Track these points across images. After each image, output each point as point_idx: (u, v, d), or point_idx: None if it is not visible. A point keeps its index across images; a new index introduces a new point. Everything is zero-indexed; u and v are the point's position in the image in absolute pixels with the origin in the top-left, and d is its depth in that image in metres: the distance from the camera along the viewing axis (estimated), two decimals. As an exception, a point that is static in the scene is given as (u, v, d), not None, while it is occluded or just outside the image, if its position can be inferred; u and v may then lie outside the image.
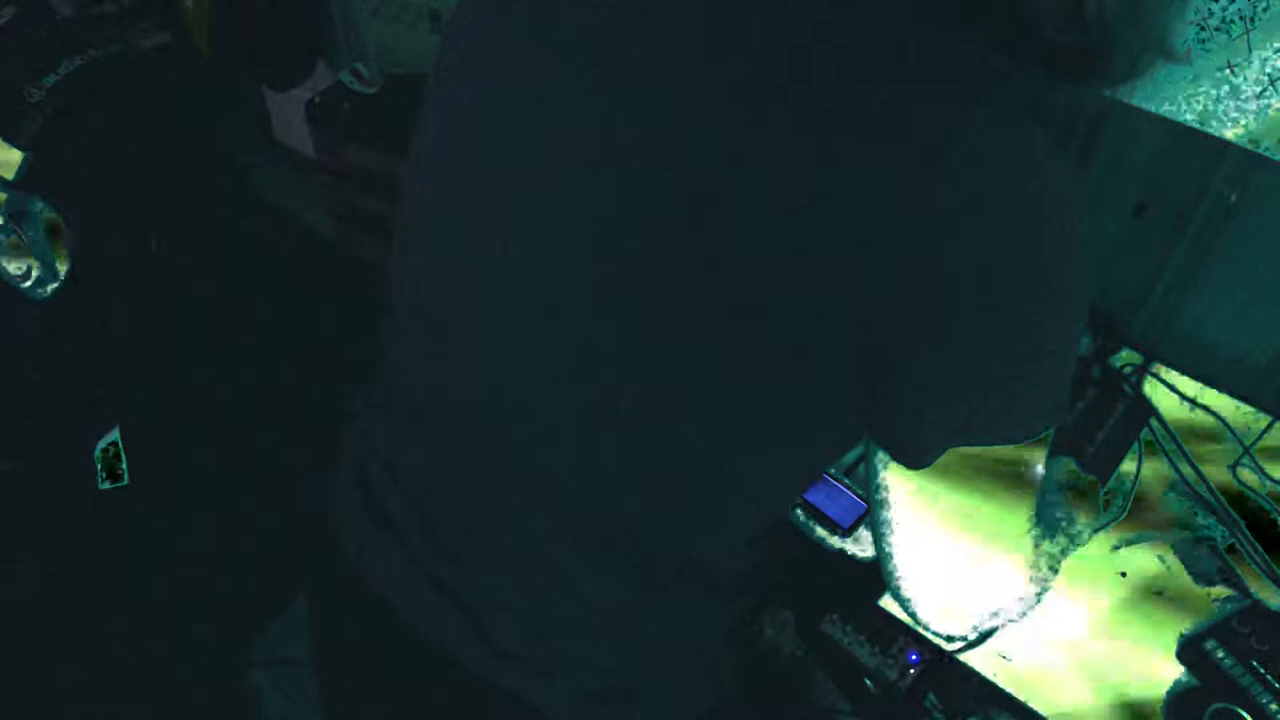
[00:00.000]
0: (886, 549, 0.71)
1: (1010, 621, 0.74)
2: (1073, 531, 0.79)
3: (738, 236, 0.57)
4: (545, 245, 0.64)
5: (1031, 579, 0.72)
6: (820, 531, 1.09)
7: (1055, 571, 0.73)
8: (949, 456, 0.64)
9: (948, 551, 0.69)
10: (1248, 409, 1.10)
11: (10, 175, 1.36)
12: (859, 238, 0.55)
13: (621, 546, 0.70)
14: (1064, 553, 0.75)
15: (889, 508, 0.69)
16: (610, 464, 0.67)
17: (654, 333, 0.62)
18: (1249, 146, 0.98)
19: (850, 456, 1.14)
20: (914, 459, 0.65)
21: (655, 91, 0.59)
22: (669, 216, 0.59)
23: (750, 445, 0.65)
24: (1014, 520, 0.70)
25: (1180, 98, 1.00)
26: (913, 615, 0.72)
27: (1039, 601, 0.73)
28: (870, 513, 0.73)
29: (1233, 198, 1.06)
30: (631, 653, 0.76)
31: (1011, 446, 0.65)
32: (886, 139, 0.54)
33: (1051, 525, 0.76)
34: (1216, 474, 1.08)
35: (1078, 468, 0.84)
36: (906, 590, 0.71)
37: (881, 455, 0.67)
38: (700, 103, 0.58)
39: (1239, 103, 0.97)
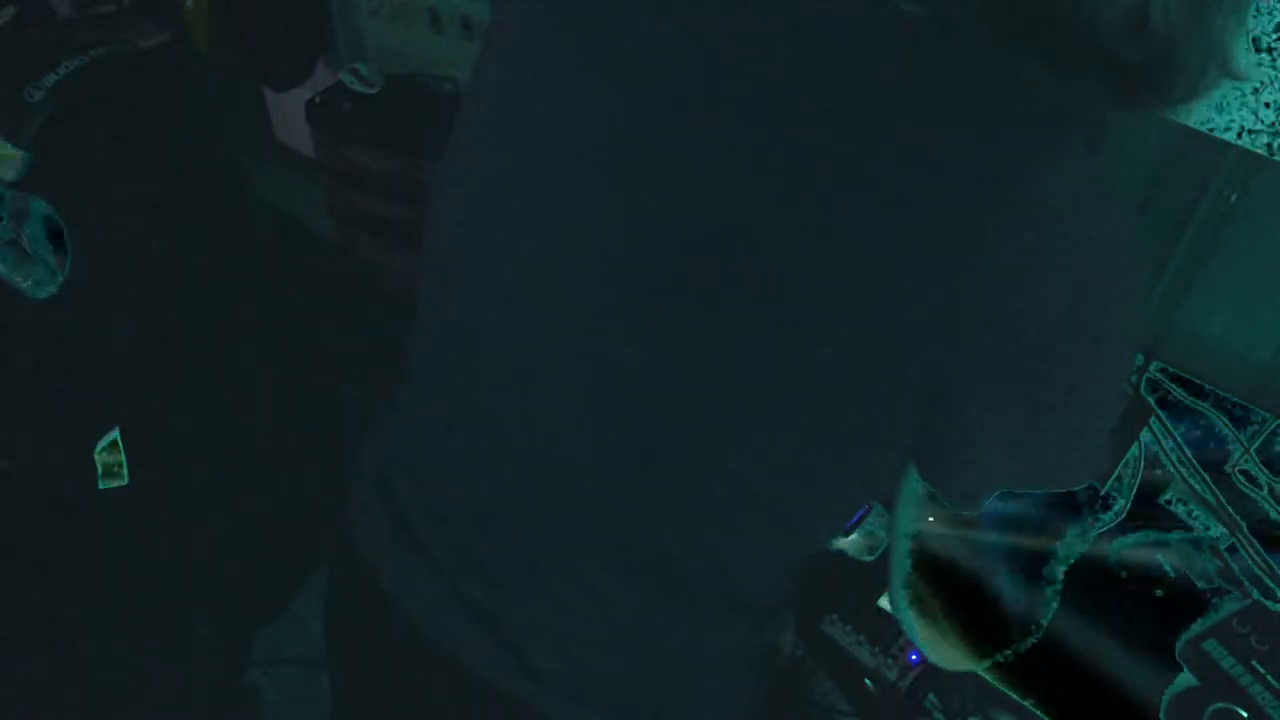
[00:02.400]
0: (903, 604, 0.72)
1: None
2: (1076, 533, 0.79)
3: (790, 264, 0.56)
4: (590, 262, 0.63)
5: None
6: (820, 531, 1.09)
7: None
8: None
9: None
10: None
11: (10, 175, 1.36)
12: (918, 268, 0.54)
13: (662, 571, 0.69)
14: (1067, 558, 0.76)
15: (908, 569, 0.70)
16: (654, 488, 0.66)
17: (701, 357, 0.61)
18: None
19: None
20: (966, 502, 0.65)
21: (707, 116, 0.58)
22: (719, 241, 0.58)
23: (794, 475, 0.64)
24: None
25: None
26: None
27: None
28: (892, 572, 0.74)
29: (1233, 198, 1.06)
30: (667, 677, 0.75)
31: None
32: (949, 170, 0.53)
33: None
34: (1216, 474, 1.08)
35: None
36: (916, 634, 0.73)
37: (905, 518, 0.69)
38: (753, 130, 0.57)
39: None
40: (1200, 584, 1.01)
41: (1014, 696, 0.92)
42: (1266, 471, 1.07)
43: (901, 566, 0.75)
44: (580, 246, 0.63)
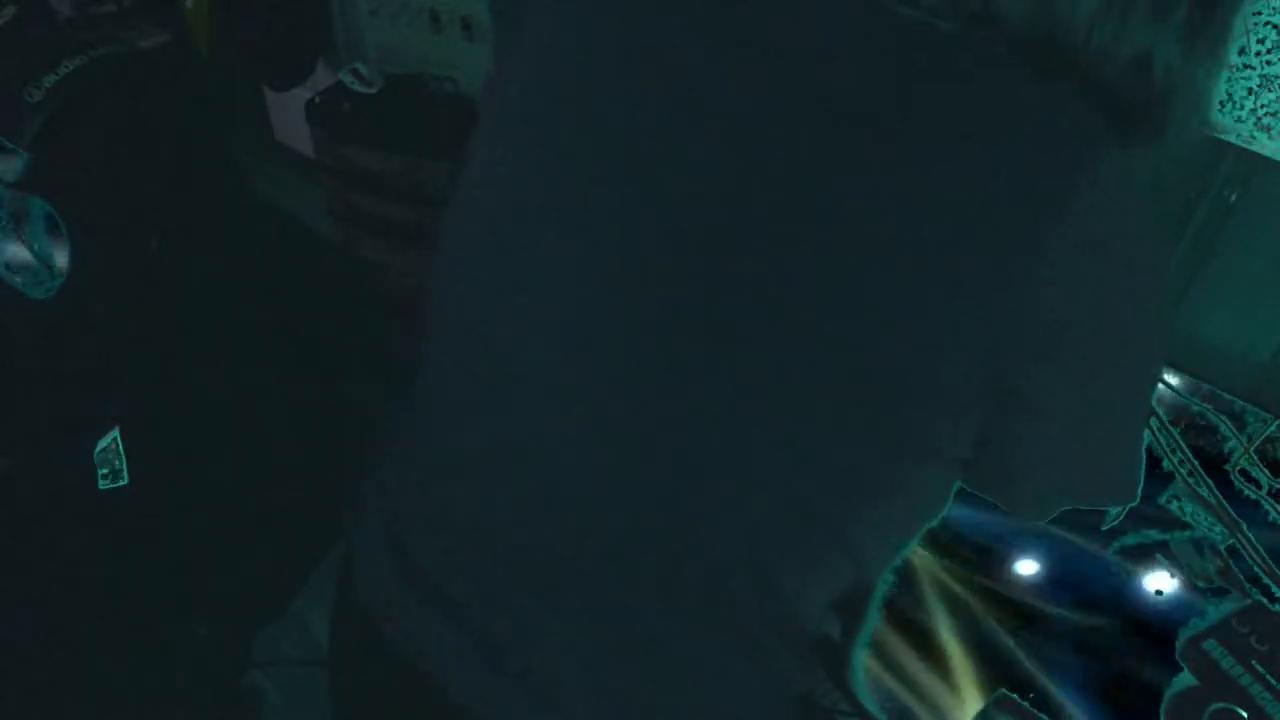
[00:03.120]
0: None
1: None
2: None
3: (850, 277, 0.57)
4: (627, 281, 0.62)
5: None
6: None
7: None
8: None
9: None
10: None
11: (10, 175, 1.36)
12: (982, 279, 0.55)
13: (714, 603, 0.67)
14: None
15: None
16: (710, 511, 0.64)
17: (758, 373, 0.60)
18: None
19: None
20: (1033, 510, 0.66)
21: (758, 134, 0.58)
22: (773, 254, 0.58)
23: (852, 493, 0.63)
24: None
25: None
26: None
27: None
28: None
29: (1233, 198, 1.06)
30: (708, 711, 0.72)
31: None
32: (1001, 184, 0.55)
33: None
34: (1216, 474, 1.08)
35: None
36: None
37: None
38: (806, 147, 0.57)
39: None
40: (1200, 584, 1.01)
41: (1014, 697, 0.92)
42: (1266, 471, 1.07)
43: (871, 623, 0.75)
44: (618, 266, 0.62)
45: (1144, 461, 0.68)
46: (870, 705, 0.75)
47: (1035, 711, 0.93)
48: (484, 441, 0.70)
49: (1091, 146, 0.56)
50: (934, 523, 0.68)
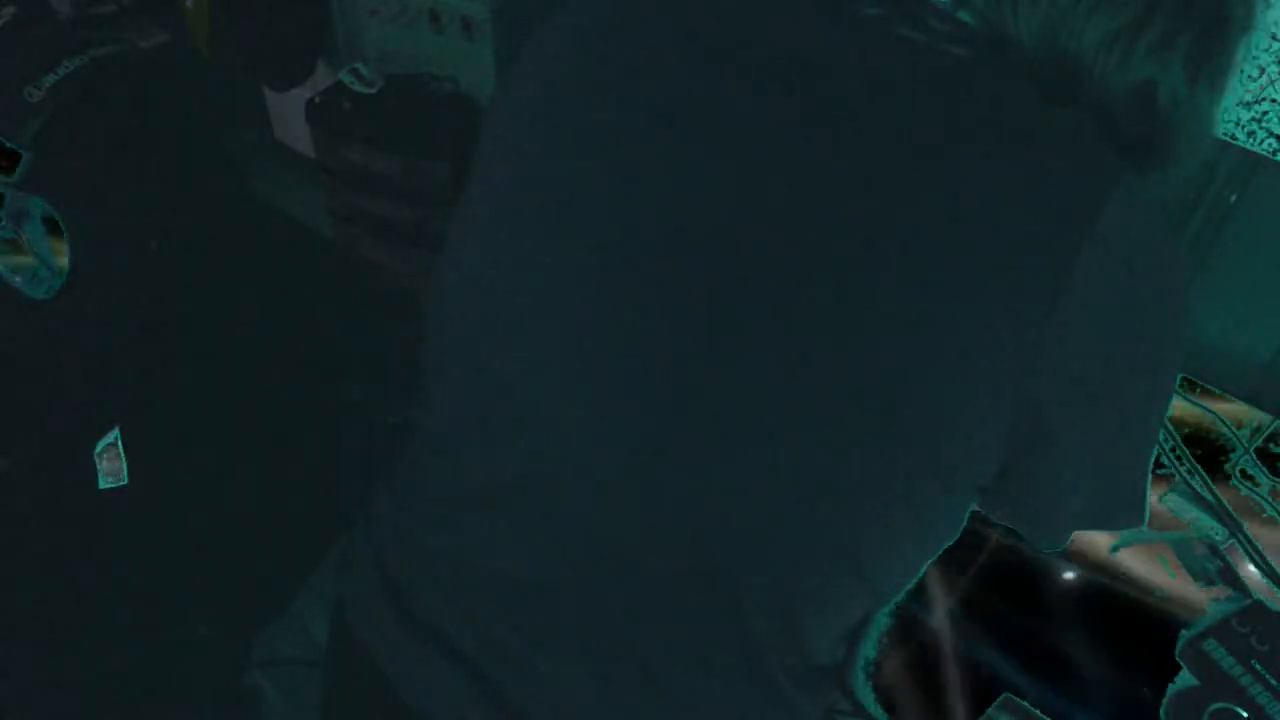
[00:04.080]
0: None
1: None
2: None
3: (873, 303, 0.55)
4: (645, 311, 0.60)
5: None
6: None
7: None
8: None
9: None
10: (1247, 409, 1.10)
11: (10, 175, 1.36)
12: (1009, 306, 0.54)
13: (727, 633, 0.65)
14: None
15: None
16: (724, 546, 0.62)
17: (776, 402, 0.58)
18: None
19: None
20: (1050, 537, 0.66)
21: (763, 165, 0.57)
22: (793, 281, 0.57)
23: (877, 524, 0.61)
24: None
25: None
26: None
27: None
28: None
29: (1233, 198, 1.06)
30: None
31: None
32: (1025, 211, 0.54)
33: None
34: (1216, 474, 1.08)
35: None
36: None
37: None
38: (835, 172, 0.56)
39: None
40: (1200, 584, 1.01)
41: (1014, 697, 0.92)
42: (1266, 471, 1.07)
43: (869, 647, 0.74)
44: (629, 299, 0.60)
45: (1149, 484, 0.68)
46: (870, 704, 0.75)
47: (1039, 714, 0.93)
48: (483, 475, 0.68)
49: (1111, 172, 0.55)
50: (948, 545, 0.67)
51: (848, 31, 0.59)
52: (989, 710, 0.92)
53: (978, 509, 0.66)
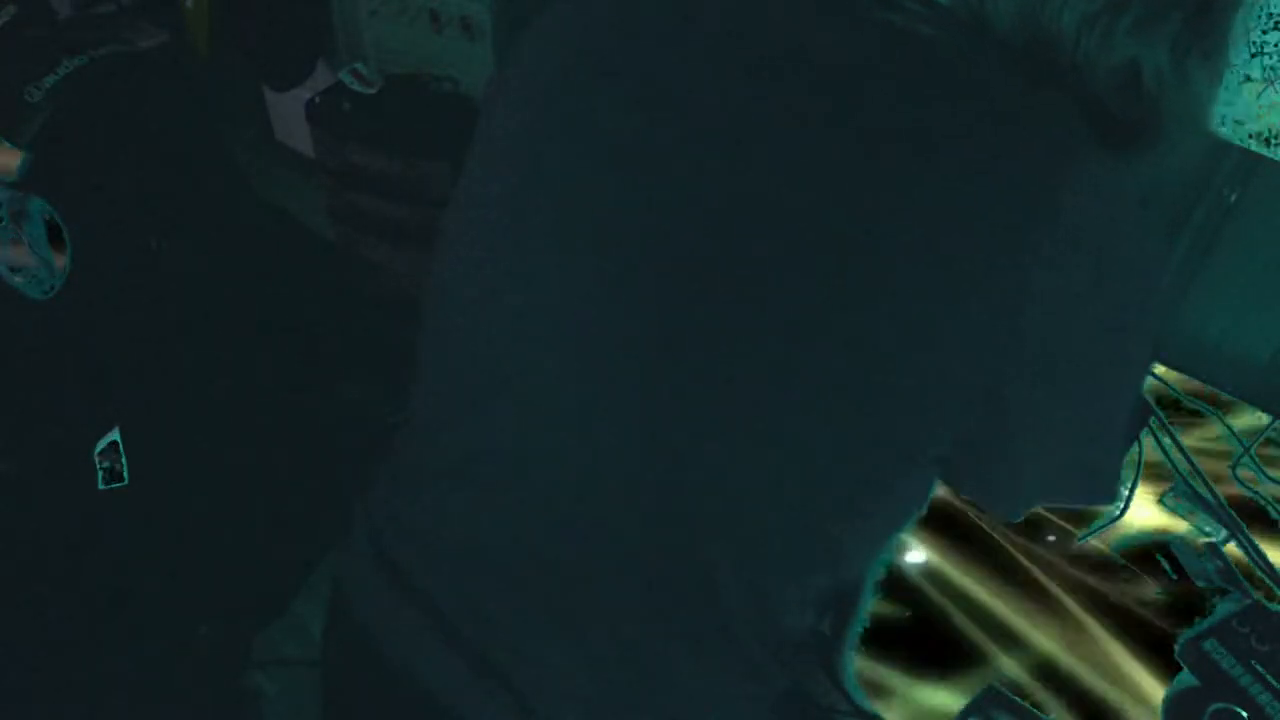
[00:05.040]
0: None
1: None
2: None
3: (840, 285, 0.57)
4: (625, 294, 0.62)
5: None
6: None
7: None
8: None
9: None
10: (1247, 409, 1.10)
11: (10, 175, 1.36)
12: (972, 284, 0.55)
13: (701, 607, 0.67)
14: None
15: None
16: (698, 519, 0.64)
17: (748, 380, 0.60)
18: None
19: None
20: (1008, 508, 0.67)
21: (741, 155, 0.59)
22: (764, 266, 0.58)
23: (845, 500, 0.63)
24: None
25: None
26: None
27: None
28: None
29: (1233, 198, 1.06)
30: (691, 717, 0.72)
31: None
32: (989, 190, 0.55)
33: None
34: (1216, 473, 1.08)
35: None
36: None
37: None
38: (802, 157, 0.58)
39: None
40: (1200, 584, 1.01)
41: (1013, 697, 0.92)
42: (1266, 471, 1.07)
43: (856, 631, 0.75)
44: (615, 277, 0.62)
45: (1122, 463, 0.70)
46: (861, 699, 0.76)
47: (1024, 704, 0.93)
48: (474, 450, 0.70)
49: (1081, 155, 0.56)
50: (912, 522, 0.69)
51: (828, 18, 0.60)
52: (972, 701, 0.92)
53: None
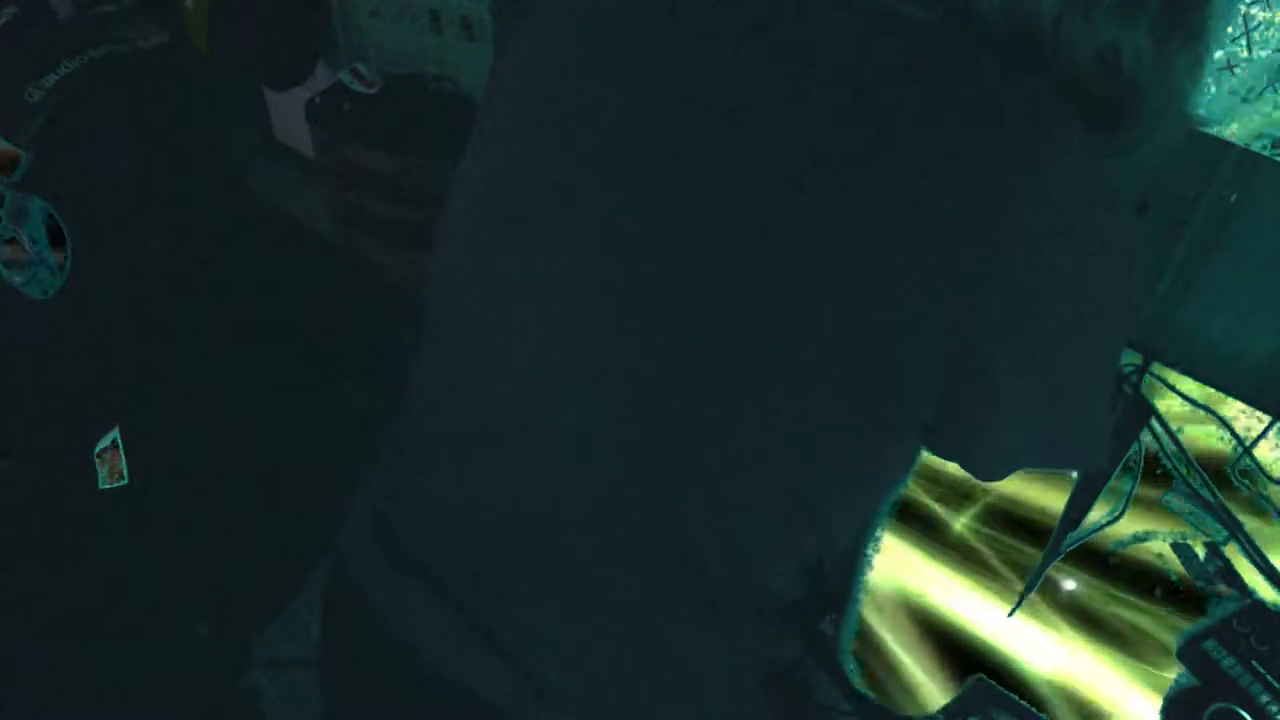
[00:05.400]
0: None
1: None
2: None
3: (824, 264, 0.59)
4: (614, 272, 0.64)
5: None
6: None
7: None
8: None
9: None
10: (1248, 409, 1.10)
11: (10, 175, 1.36)
12: (947, 258, 0.58)
13: (687, 576, 0.69)
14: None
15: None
16: (684, 489, 0.66)
17: (734, 357, 0.62)
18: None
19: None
20: (992, 473, 0.69)
21: (731, 138, 0.61)
22: (751, 243, 0.60)
23: (829, 472, 0.66)
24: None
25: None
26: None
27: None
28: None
29: (1233, 198, 1.06)
30: (680, 693, 0.74)
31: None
32: (963, 168, 0.57)
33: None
34: (1216, 473, 1.08)
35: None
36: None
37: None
38: (785, 141, 0.60)
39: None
40: (1200, 584, 1.01)
41: (1014, 697, 0.92)
42: (1266, 472, 1.07)
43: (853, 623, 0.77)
44: (606, 254, 0.64)
45: (1106, 426, 0.72)
46: (860, 685, 0.77)
47: (1012, 697, 0.93)
48: (469, 421, 0.72)
49: (1059, 136, 0.57)
50: (896, 495, 0.71)
51: (820, 6, 0.61)
52: (962, 695, 0.92)
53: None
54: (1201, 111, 0.62)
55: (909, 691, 0.92)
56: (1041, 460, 0.73)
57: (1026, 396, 0.63)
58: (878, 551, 0.80)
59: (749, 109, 0.60)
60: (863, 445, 0.65)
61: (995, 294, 0.58)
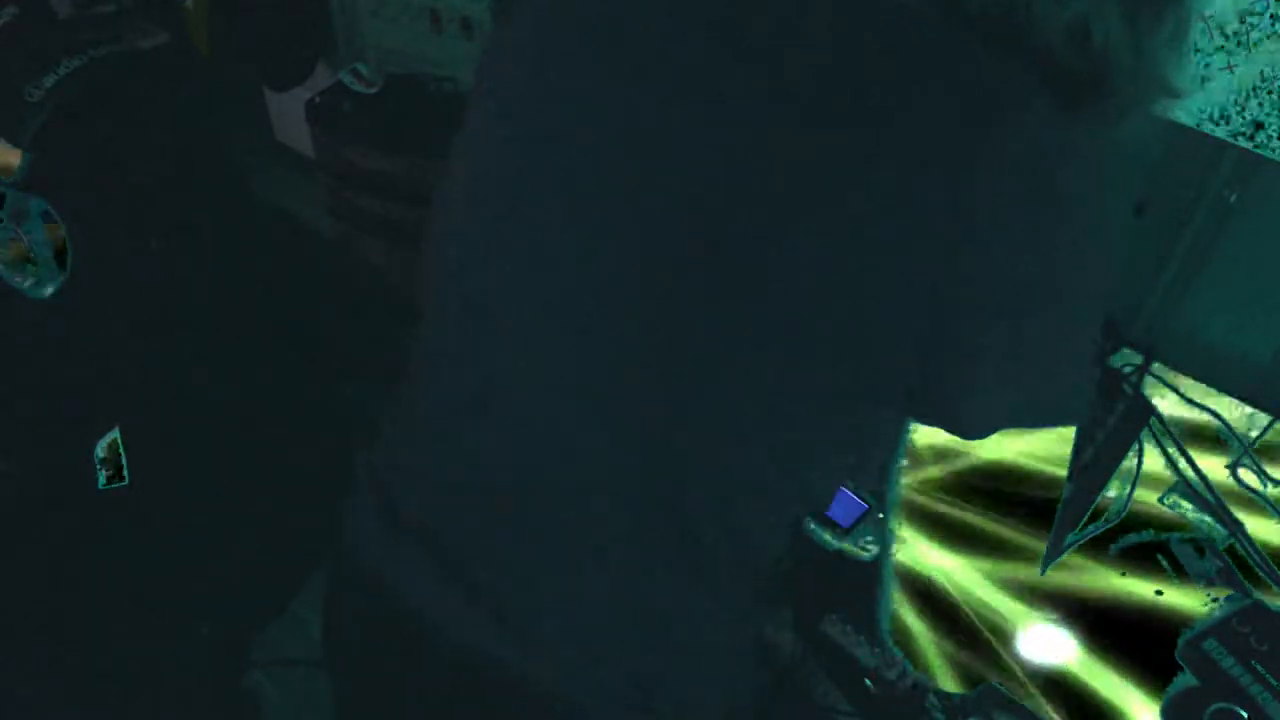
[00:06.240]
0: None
1: None
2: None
3: (806, 236, 0.61)
4: (605, 246, 0.66)
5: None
6: (820, 532, 1.09)
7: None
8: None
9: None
10: (1247, 409, 1.10)
11: (10, 175, 1.36)
12: (920, 228, 0.60)
13: (683, 542, 0.72)
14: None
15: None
16: (677, 455, 0.69)
17: (725, 326, 0.64)
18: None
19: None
20: (973, 434, 0.72)
21: (705, 103, 0.63)
22: (735, 219, 0.63)
23: (816, 440, 0.69)
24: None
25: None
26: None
27: None
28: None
29: (1233, 198, 1.06)
30: (670, 651, 0.77)
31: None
32: (933, 139, 0.59)
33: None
34: (1216, 474, 1.08)
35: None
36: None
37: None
38: (764, 115, 0.62)
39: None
40: (1200, 584, 1.01)
41: (1011, 696, 0.92)
42: (1266, 471, 1.07)
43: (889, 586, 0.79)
44: (597, 229, 0.66)
45: (1085, 387, 0.76)
46: (897, 652, 0.81)
47: (1019, 702, 0.93)
48: (469, 393, 0.74)
49: (1027, 105, 0.59)
50: (880, 455, 0.74)
51: None
52: (971, 698, 0.92)
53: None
54: (1180, 86, 0.63)
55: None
56: (1023, 420, 0.77)
57: (1004, 359, 0.66)
58: (901, 542, 0.82)
59: (730, 81, 0.62)
60: (850, 413, 0.68)
61: (969, 262, 0.60)
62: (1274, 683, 0.90)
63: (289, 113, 1.98)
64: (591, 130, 0.67)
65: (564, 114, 0.68)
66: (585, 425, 0.70)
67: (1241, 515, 1.04)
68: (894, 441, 0.74)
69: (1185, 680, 0.93)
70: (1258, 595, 0.99)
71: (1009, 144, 0.58)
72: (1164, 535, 1.05)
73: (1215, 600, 0.99)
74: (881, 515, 1.06)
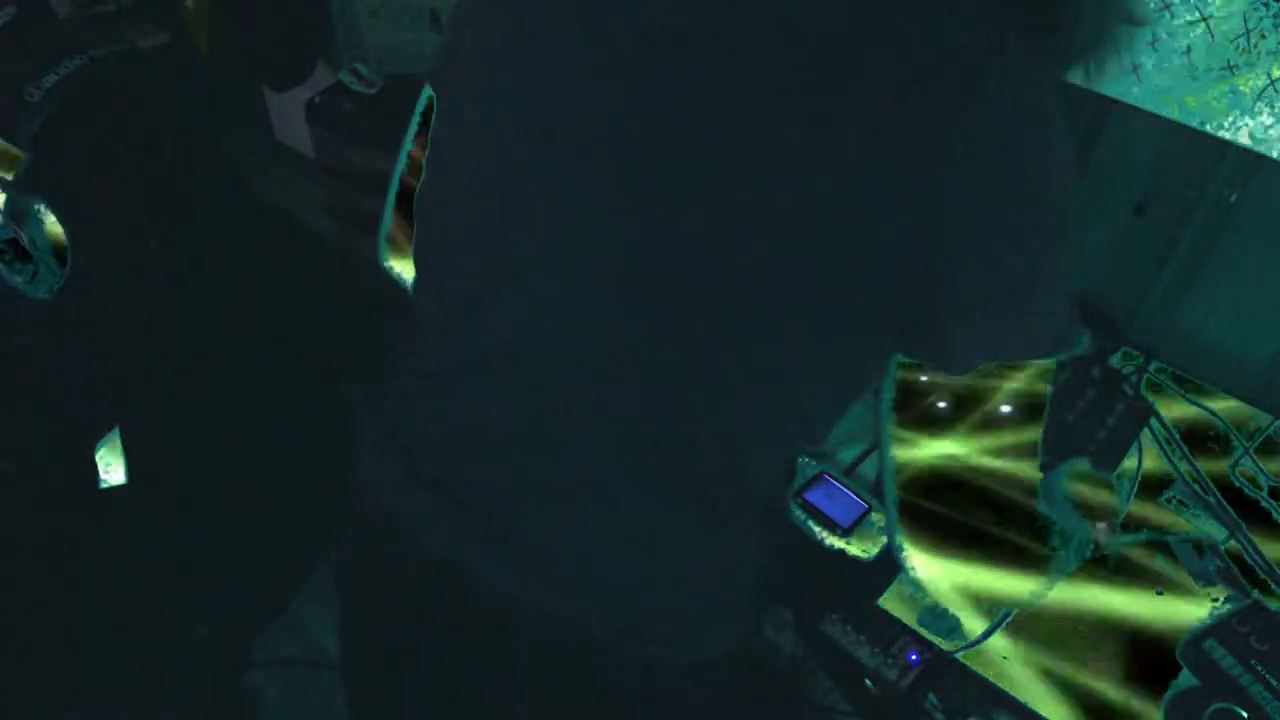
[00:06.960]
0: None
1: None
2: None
3: (806, 181, 0.64)
4: (612, 184, 0.68)
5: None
6: (820, 531, 1.09)
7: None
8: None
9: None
10: (1248, 409, 1.10)
11: (10, 175, 1.36)
12: (906, 171, 0.63)
13: (682, 468, 0.74)
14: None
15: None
16: (691, 402, 0.72)
17: (732, 269, 0.67)
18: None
19: (848, 456, 1.14)
20: (959, 369, 0.77)
21: (696, 49, 0.65)
22: (739, 164, 0.65)
23: (817, 371, 0.73)
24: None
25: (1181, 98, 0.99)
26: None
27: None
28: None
29: (1233, 198, 1.06)
30: (676, 577, 0.79)
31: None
32: (914, 86, 0.62)
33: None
34: (1216, 474, 1.07)
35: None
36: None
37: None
38: (741, 52, 0.64)
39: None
40: (1200, 584, 1.01)
41: (1014, 697, 0.92)
42: (1266, 471, 1.06)
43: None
44: (594, 176, 0.69)
45: (1069, 320, 0.80)
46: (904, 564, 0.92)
47: (1034, 710, 0.93)
48: (485, 342, 0.76)
49: (994, 51, 0.61)
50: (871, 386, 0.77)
51: None
52: (968, 698, 0.92)
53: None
54: (1140, 13, 0.68)
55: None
56: (1012, 349, 0.81)
57: (986, 296, 0.71)
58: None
59: (722, 38, 0.65)
60: (844, 350, 0.72)
61: (948, 204, 0.64)
62: (1274, 683, 0.90)
63: (289, 113, 1.97)
64: (575, 78, 0.69)
65: (546, 65, 0.70)
66: (596, 378, 0.73)
67: (1241, 515, 1.04)
68: (883, 372, 0.82)
69: (1185, 680, 0.93)
70: (1257, 595, 0.99)
71: (986, 93, 0.61)
72: (1164, 535, 1.05)
73: (1215, 600, 0.99)
74: (881, 516, 1.06)
